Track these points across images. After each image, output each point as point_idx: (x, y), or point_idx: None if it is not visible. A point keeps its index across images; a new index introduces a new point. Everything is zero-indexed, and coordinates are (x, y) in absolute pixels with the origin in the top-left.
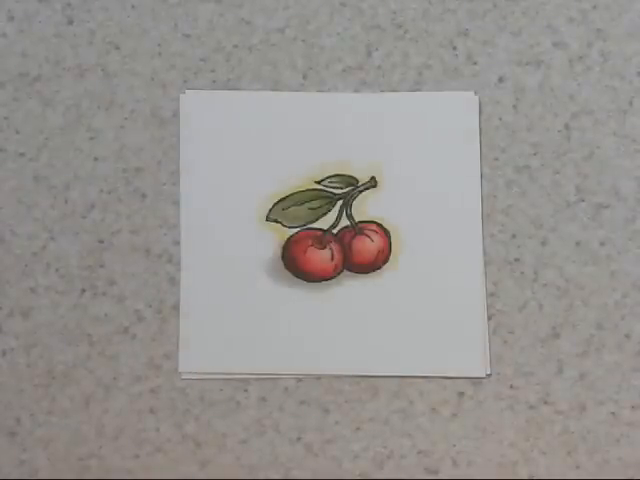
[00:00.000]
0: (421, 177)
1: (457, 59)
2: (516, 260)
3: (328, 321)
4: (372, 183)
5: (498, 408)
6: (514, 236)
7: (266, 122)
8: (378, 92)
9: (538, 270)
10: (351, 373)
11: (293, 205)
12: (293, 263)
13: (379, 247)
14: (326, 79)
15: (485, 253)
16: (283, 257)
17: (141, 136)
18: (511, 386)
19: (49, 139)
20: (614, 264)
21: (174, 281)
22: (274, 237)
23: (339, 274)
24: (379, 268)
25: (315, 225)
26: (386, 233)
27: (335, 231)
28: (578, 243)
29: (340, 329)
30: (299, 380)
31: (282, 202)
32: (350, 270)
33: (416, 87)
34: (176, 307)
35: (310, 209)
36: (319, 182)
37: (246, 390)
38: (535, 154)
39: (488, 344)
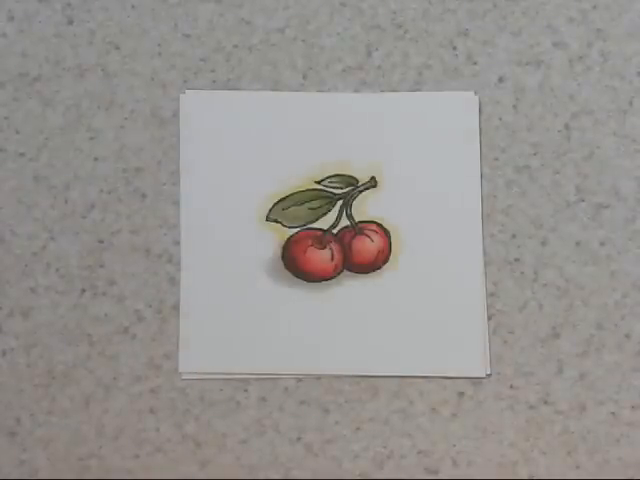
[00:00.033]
0: (421, 177)
1: (457, 59)
2: (516, 260)
3: (328, 321)
4: (372, 183)
5: (498, 408)
6: (514, 236)
7: (266, 122)
8: (378, 92)
9: (538, 270)
10: (351, 373)
11: (293, 205)
12: (293, 263)
13: (379, 247)
14: (326, 79)
15: (485, 253)
16: (283, 257)
17: (141, 136)
18: (511, 386)
19: (49, 139)
20: (614, 264)
21: (174, 281)
22: (274, 237)
23: (339, 274)
24: (379, 268)
25: (315, 225)
26: (386, 233)
27: (335, 231)
28: (578, 243)
29: (340, 329)
30: (299, 380)
31: (282, 202)
32: (350, 270)
33: (416, 87)
34: (176, 307)
35: (310, 209)
36: (319, 182)
37: (246, 390)
38: (535, 154)
39: (488, 344)
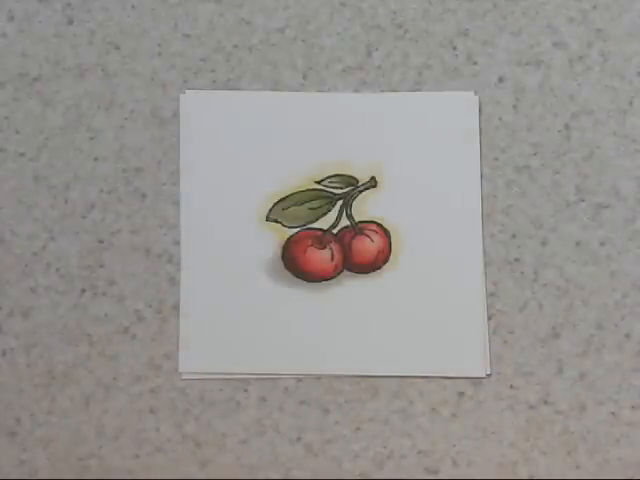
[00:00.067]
0: (421, 177)
1: (457, 59)
2: (516, 260)
3: (328, 321)
4: (372, 183)
5: (498, 408)
6: (514, 236)
7: (266, 122)
8: (378, 92)
9: (538, 270)
10: (351, 373)
11: (293, 205)
12: (293, 263)
13: (379, 247)
14: (326, 79)
15: (485, 253)
16: (283, 257)
17: (141, 136)
18: (511, 386)
19: (49, 139)
20: (614, 264)
21: (174, 281)
22: (274, 237)
23: (339, 274)
24: (379, 268)
25: (315, 225)
26: (386, 233)
27: (335, 231)
28: (578, 243)
29: (340, 329)
30: (299, 380)
31: (282, 202)
32: (350, 270)
33: (416, 87)
34: (176, 307)
35: (310, 209)
36: (319, 182)
37: (246, 390)
38: (535, 154)
39: (488, 344)
